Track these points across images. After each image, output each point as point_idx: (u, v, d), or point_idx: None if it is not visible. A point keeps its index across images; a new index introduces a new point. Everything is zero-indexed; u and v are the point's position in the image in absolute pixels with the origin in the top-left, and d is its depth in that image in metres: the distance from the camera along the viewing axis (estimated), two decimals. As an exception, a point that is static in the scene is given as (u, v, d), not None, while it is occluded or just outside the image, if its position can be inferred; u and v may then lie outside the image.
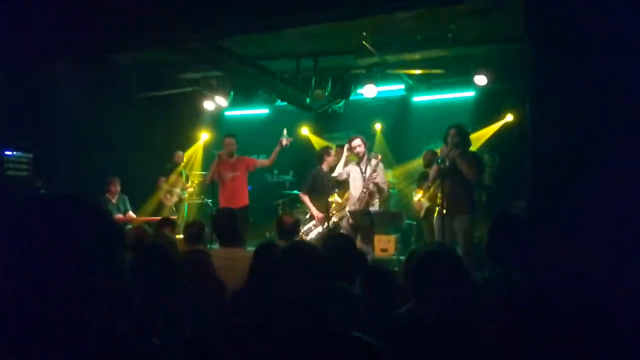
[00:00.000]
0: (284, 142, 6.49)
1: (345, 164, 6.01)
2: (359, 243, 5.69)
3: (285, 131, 6.60)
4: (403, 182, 8.39)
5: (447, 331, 2.24)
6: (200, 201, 8.21)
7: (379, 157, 5.92)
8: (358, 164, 5.90)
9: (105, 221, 0.91)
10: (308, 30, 5.71)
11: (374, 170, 5.72)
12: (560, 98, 3.52)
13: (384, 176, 5.90)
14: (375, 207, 5.83)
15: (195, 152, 9.33)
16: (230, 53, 6.34)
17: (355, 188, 5.87)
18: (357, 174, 5.89)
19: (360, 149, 5.82)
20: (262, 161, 6.94)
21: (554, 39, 3.53)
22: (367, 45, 6.09)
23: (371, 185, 5.74)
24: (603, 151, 3.21)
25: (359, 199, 5.80)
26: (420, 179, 6.77)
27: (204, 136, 9.12)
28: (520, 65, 5.56)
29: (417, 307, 2.65)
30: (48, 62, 5.90)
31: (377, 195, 5.84)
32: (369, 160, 5.84)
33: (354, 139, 5.91)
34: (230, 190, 6.56)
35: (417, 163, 7.69)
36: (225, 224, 3.70)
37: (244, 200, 6.61)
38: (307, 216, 6.62)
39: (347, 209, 5.98)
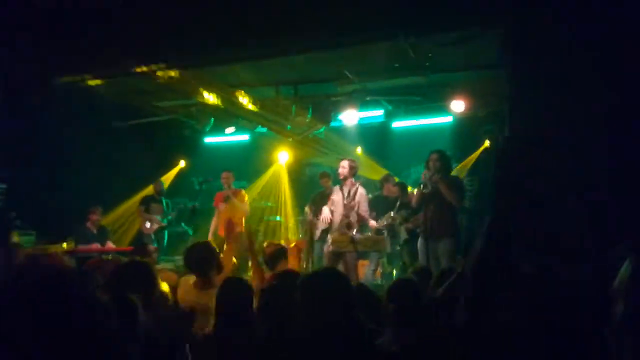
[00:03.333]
0: None
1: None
2: (341, 269, 5.65)
3: None
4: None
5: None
6: (180, 229, 8.10)
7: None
8: (341, 187, 5.86)
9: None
10: (288, 60, 5.79)
11: (353, 198, 5.67)
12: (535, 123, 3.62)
13: (366, 204, 5.77)
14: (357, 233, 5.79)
15: (170, 178, 9.23)
16: (210, 82, 6.36)
17: (336, 213, 5.82)
18: (338, 198, 5.81)
19: (343, 171, 5.72)
20: (245, 207, 7.20)
21: (529, 68, 3.65)
22: (347, 73, 6.20)
23: (353, 214, 5.67)
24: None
25: (339, 224, 5.71)
26: (400, 208, 6.82)
27: (182, 163, 9.14)
28: (496, 92, 5.75)
29: (390, 339, 2.62)
30: (24, 92, 5.83)
31: (356, 226, 5.68)
32: (353, 184, 5.81)
33: (341, 160, 5.92)
34: (223, 221, 6.68)
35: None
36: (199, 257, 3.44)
37: (237, 228, 6.71)
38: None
39: (328, 236, 5.92)
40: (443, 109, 7.31)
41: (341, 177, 5.78)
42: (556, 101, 3.44)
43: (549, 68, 3.47)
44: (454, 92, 6.70)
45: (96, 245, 6.93)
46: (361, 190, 5.77)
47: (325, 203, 6.08)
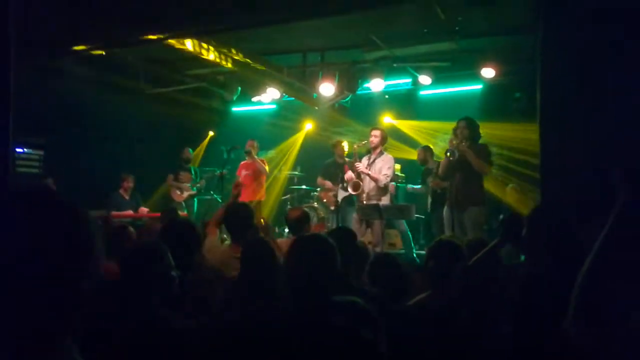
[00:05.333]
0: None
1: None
2: (369, 237, 5.73)
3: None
4: (411, 175, 8.39)
5: (454, 325, 2.26)
6: (209, 197, 8.25)
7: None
8: (368, 155, 5.96)
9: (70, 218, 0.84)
10: (315, 25, 5.73)
11: (372, 164, 5.82)
12: (567, 90, 3.52)
13: (387, 169, 5.85)
14: (385, 201, 5.86)
15: (203, 149, 9.41)
16: (238, 48, 6.36)
17: (365, 181, 5.94)
18: (362, 166, 5.95)
19: (375, 140, 5.90)
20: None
21: (563, 29, 3.53)
22: (374, 38, 6.10)
23: (367, 178, 5.85)
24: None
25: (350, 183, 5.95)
26: (424, 176, 6.80)
27: (211, 133, 9.25)
28: (527, 58, 5.59)
29: (430, 297, 2.69)
30: (57, 58, 5.94)
31: (362, 186, 5.92)
32: (381, 154, 5.91)
33: (374, 128, 6.04)
34: (245, 188, 6.78)
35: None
36: (237, 219, 3.58)
37: (258, 195, 6.88)
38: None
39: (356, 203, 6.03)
40: (472, 77, 7.16)
41: (372, 146, 5.88)
42: (589, 69, 3.34)
43: (582, 34, 3.35)
44: (484, 59, 6.55)
45: (129, 212, 7.17)
46: (384, 156, 5.92)
47: (340, 172, 6.18)
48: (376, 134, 5.93)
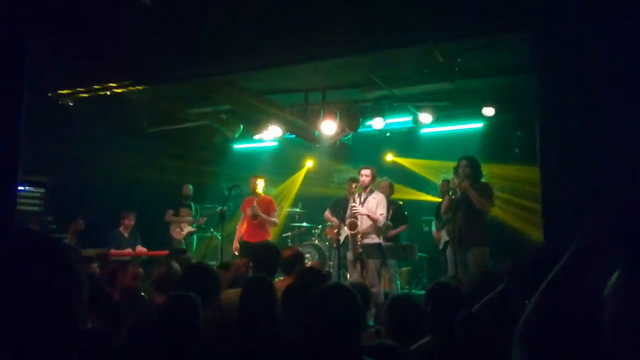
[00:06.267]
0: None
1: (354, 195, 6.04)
2: (358, 276, 5.62)
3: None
4: (413, 214, 8.35)
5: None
6: (209, 234, 8.20)
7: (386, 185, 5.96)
8: (360, 194, 5.90)
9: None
10: (316, 66, 5.82)
11: (362, 203, 5.78)
12: (568, 126, 3.52)
13: (381, 207, 5.81)
14: (373, 239, 5.79)
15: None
16: (241, 88, 6.45)
17: (362, 219, 5.86)
18: (355, 204, 5.89)
19: (366, 179, 5.86)
20: (274, 219, 6.93)
21: (559, 70, 3.56)
22: (374, 78, 6.18)
23: (361, 217, 5.75)
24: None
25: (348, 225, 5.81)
26: (438, 211, 6.77)
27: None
28: (526, 97, 5.63)
29: (431, 343, 2.60)
30: (59, 96, 6.01)
31: (359, 226, 5.78)
32: (370, 192, 5.88)
33: (363, 168, 5.97)
34: (251, 226, 6.67)
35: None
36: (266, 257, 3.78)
37: (263, 236, 6.62)
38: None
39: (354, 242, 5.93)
40: (473, 115, 7.22)
41: (363, 185, 5.83)
42: (588, 105, 3.35)
43: (579, 71, 3.38)
44: (484, 98, 6.61)
45: (128, 250, 7.10)
46: (375, 194, 5.91)
47: (345, 208, 6.14)
48: (367, 172, 5.89)
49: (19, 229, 0.92)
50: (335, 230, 6.73)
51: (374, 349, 2.13)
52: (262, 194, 6.98)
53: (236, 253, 6.72)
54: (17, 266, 0.79)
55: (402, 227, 6.84)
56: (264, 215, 6.62)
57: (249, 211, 6.75)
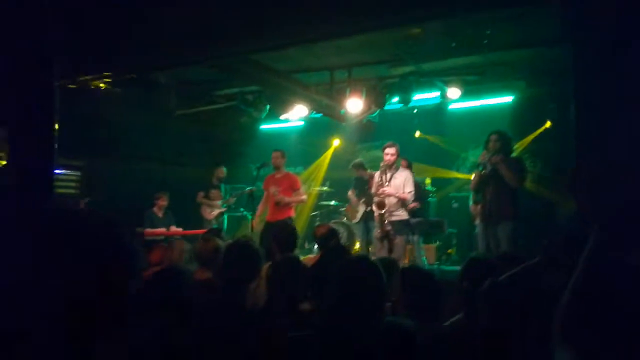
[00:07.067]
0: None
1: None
2: (385, 253, 5.65)
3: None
4: (442, 190, 8.30)
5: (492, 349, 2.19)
6: (239, 214, 8.35)
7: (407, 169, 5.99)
8: (384, 171, 5.88)
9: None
10: (341, 44, 5.76)
11: (388, 181, 5.74)
12: (603, 98, 3.43)
13: (409, 186, 5.78)
14: (401, 216, 5.79)
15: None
16: (267, 68, 6.46)
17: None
18: (377, 182, 5.89)
19: (391, 158, 5.81)
20: (302, 197, 6.80)
21: (592, 40, 3.46)
22: (401, 54, 6.09)
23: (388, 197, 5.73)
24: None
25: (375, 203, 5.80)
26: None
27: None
28: (558, 69, 5.48)
29: (465, 320, 2.61)
30: (89, 80, 6.14)
31: (387, 206, 5.76)
32: (396, 169, 5.84)
33: (387, 146, 5.92)
34: (273, 207, 6.59)
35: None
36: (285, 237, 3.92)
37: (287, 213, 6.57)
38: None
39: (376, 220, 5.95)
40: (503, 89, 7.07)
41: (389, 163, 5.80)
42: (624, 74, 3.25)
43: (613, 40, 3.27)
44: (514, 71, 6.46)
45: (162, 229, 7.30)
46: (401, 172, 5.87)
47: (366, 187, 6.16)
48: (392, 151, 5.82)
49: (68, 208, 0.96)
50: (354, 207, 6.78)
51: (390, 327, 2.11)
52: (284, 170, 6.82)
53: (252, 230, 6.56)
54: (79, 240, 0.85)
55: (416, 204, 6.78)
56: (287, 199, 6.48)
57: (272, 189, 6.63)
